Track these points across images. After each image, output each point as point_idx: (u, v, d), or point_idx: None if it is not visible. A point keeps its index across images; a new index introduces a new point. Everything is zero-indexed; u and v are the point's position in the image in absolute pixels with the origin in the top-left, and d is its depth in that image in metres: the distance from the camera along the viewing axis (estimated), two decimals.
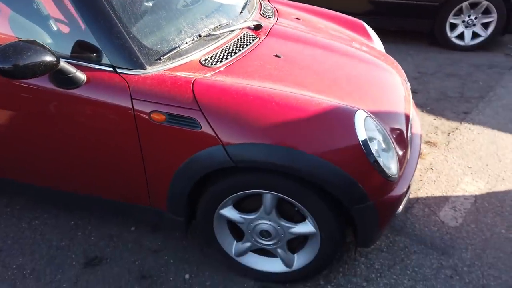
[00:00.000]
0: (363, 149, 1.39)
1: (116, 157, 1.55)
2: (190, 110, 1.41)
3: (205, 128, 1.41)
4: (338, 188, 1.40)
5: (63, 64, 1.39)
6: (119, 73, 1.45)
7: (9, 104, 1.57)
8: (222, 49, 1.74)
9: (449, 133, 2.82)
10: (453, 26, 4.26)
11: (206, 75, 1.54)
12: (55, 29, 1.52)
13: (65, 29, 1.51)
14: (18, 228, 1.84)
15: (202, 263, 1.73)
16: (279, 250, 1.62)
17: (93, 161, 1.59)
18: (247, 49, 1.80)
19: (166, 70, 1.52)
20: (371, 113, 1.54)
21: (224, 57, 1.69)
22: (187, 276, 1.67)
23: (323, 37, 2.21)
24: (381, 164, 1.42)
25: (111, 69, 1.46)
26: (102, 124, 1.49)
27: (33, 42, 1.32)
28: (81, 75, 1.44)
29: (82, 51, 1.49)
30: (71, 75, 1.42)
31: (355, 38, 2.40)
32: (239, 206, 1.59)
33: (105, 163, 1.57)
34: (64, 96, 1.48)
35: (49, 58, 1.32)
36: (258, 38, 1.95)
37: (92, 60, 1.48)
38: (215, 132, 1.40)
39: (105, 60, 1.47)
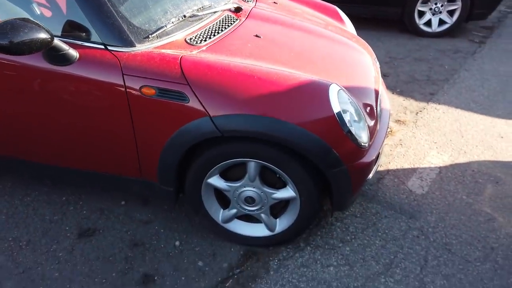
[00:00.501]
0: (337, 120, 1.54)
1: (108, 131, 1.63)
2: (179, 85, 1.52)
3: (193, 101, 1.52)
4: (315, 154, 1.54)
5: (57, 41, 1.46)
6: (110, 51, 1.54)
7: (2, 83, 1.62)
8: (206, 29, 1.85)
9: (417, 113, 3.02)
10: (421, 14, 4.49)
11: (192, 52, 1.64)
12: (46, 8, 1.58)
13: (56, 9, 1.58)
14: (11, 204, 1.90)
15: (191, 231, 1.85)
16: (262, 215, 1.76)
17: (86, 136, 1.66)
18: (229, 30, 1.92)
19: (154, 48, 1.61)
20: (344, 88, 1.69)
21: (208, 36, 1.80)
22: (177, 243, 1.79)
23: (299, 19, 2.35)
24: (354, 133, 1.58)
25: (102, 46, 1.54)
26: (94, 99, 1.57)
27: (28, 20, 1.38)
28: (74, 53, 1.51)
29: (73, 30, 1.56)
30: (64, 52, 1.49)
31: (328, 22, 2.55)
32: (225, 176, 1.71)
33: (97, 137, 1.66)
34: (57, 74, 1.56)
35: (43, 35, 1.39)
36: (238, 20, 2.07)
37: (83, 38, 1.56)
38: (202, 105, 1.51)
39: (96, 38, 1.55)
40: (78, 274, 1.62)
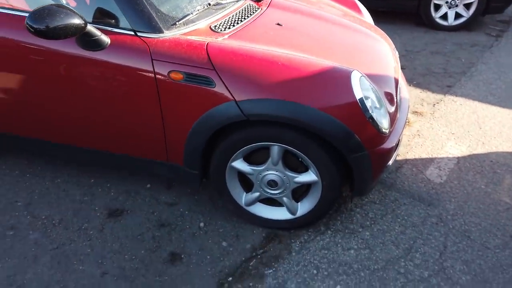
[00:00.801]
0: (359, 106, 1.57)
1: (137, 115, 1.69)
2: (205, 70, 1.57)
3: (219, 86, 1.57)
4: (338, 138, 1.58)
5: (90, 27, 1.52)
6: (140, 37, 1.60)
7: (37, 68, 1.70)
8: (229, 17, 1.90)
9: (434, 104, 3.03)
10: (437, 7, 4.47)
11: (217, 39, 1.69)
12: None
13: None
14: (42, 185, 1.99)
15: (214, 214, 1.91)
16: (284, 199, 1.80)
17: (115, 120, 1.73)
18: (251, 18, 1.97)
19: (180, 34, 1.67)
20: (365, 75, 1.72)
21: (231, 24, 1.85)
22: (201, 224, 1.85)
23: (318, 9, 2.39)
24: (375, 119, 1.61)
25: (132, 33, 1.60)
26: (123, 83, 1.63)
27: (63, 6, 1.45)
28: (106, 38, 1.58)
29: (103, 17, 1.63)
30: (96, 37, 1.55)
31: (347, 12, 2.57)
32: (248, 159, 1.76)
33: (126, 121, 1.72)
34: (89, 59, 1.62)
35: (78, 21, 1.46)
36: (260, 9, 2.12)
37: (113, 25, 1.62)
38: (228, 90, 1.56)
39: (125, 24, 1.61)
40: (109, 251, 1.69)
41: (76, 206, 1.89)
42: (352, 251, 1.76)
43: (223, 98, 1.58)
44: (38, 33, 1.41)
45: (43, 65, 1.68)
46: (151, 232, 1.79)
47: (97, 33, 1.56)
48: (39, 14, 1.40)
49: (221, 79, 1.57)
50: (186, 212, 1.91)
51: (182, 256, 1.70)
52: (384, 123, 1.66)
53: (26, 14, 1.62)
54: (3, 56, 1.69)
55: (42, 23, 1.40)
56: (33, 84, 1.73)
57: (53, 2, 1.51)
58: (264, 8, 2.14)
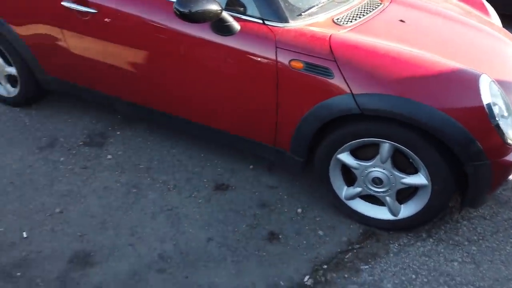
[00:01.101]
0: (486, 112, 1.47)
1: (254, 99, 1.80)
2: (326, 61, 1.60)
3: (337, 78, 1.59)
4: (458, 143, 1.50)
5: (224, 13, 1.65)
6: (267, 25, 1.69)
7: (170, 49, 1.89)
8: (352, 10, 1.90)
9: None
10: None
11: (339, 31, 1.71)
12: None
13: None
14: (161, 153, 2.23)
15: (312, 202, 1.95)
16: (387, 198, 1.77)
17: (233, 101, 1.86)
18: (373, 13, 1.94)
19: (304, 25, 1.72)
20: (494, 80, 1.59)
21: (354, 18, 1.84)
22: (299, 210, 1.91)
23: (443, 7, 2.25)
24: (501, 127, 1.49)
25: (260, 21, 1.70)
26: (246, 68, 1.73)
27: None
28: (236, 25, 1.70)
29: (235, 4, 1.75)
30: (229, 23, 1.68)
31: (473, 12, 2.38)
32: (355, 153, 1.76)
33: (243, 104, 1.84)
34: (217, 44, 1.76)
35: (216, 7, 1.59)
36: (382, 4, 2.07)
37: (242, 12, 1.73)
38: (346, 82, 1.58)
39: (253, 12, 1.71)
40: (215, 220, 1.85)
41: (188, 175, 2.09)
42: (455, 263, 1.66)
43: (340, 90, 1.60)
44: (182, 16, 1.58)
45: (174, 46, 1.87)
46: (252, 210, 1.90)
47: (230, 19, 1.69)
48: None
49: (340, 71, 1.58)
50: (285, 197, 1.99)
51: (280, 236, 1.77)
52: (510, 134, 1.53)
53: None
54: (146, 37, 1.92)
55: (187, 7, 1.57)
56: (165, 63, 1.94)
57: None
58: (387, 4, 2.09)
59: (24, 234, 1.75)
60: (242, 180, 2.08)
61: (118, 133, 2.38)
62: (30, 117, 2.49)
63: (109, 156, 2.21)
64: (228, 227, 1.81)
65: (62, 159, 2.18)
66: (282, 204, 1.94)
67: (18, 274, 1.59)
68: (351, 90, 1.58)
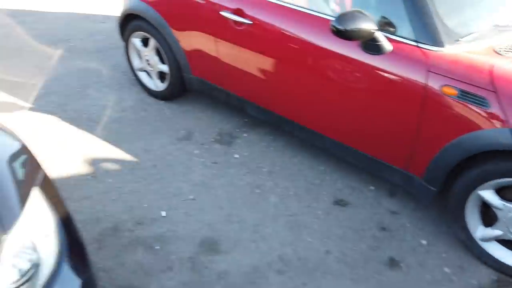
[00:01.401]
0: None
1: (393, 120, 1.77)
2: (484, 90, 1.51)
3: (495, 109, 1.49)
4: None
5: (378, 32, 1.67)
6: (421, 48, 1.66)
7: (311, 65, 1.97)
8: None
9: None
10: None
11: (501, 61, 1.60)
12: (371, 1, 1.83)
13: (379, 2, 1.80)
14: (282, 160, 2.32)
15: (438, 235, 1.84)
16: None
17: (370, 119, 1.85)
18: None
19: (462, 51, 1.65)
20: None
21: None
22: (424, 242, 1.81)
23: None
24: None
25: (414, 43, 1.68)
26: (391, 89, 1.73)
27: (361, 11, 1.64)
28: (388, 45, 1.70)
29: (387, 24, 1.75)
30: (380, 43, 1.70)
31: None
32: (500, 192, 1.62)
33: (381, 123, 1.82)
34: (361, 63, 1.78)
35: (371, 26, 1.62)
36: None
37: (393, 32, 1.73)
38: (505, 115, 1.47)
39: (407, 34, 1.69)
40: (332, 234, 1.86)
41: (308, 186, 2.14)
42: None
43: (495, 123, 1.50)
44: (338, 33, 1.64)
45: (318, 61, 1.94)
46: (372, 231, 1.87)
47: (383, 39, 1.70)
48: (343, 17, 1.62)
49: (499, 102, 1.48)
50: (408, 225, 1.91)
51: (401, 265, 1.71)
52: None
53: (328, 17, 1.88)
54: (291, 51, 2.03)
55: (343, 24, 1.62)
56: (307, 77, 2.02)
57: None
58: None
59: (163, 214, 1.97)
60: (361, 199, 2.06)
61: (245, 135, 2.54)
62: (171, 110, 2.80)
63: (236, 155, 2.37)
64: (347, 244, 1.80)
65: (196, 151, 2.41)
66: (404, 232, 1.87)
67: (157, 247, 1.80)
68: (509, 125, 1.46)
